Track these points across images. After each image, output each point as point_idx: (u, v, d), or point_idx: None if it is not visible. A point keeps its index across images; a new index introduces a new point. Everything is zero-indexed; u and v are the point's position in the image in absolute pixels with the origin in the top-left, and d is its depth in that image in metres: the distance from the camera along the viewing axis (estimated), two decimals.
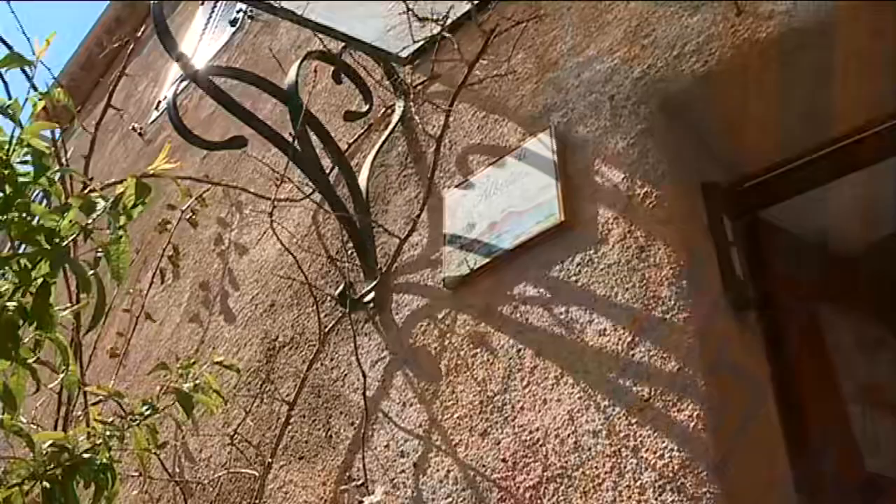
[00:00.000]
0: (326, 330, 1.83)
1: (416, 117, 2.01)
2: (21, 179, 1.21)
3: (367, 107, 2.03)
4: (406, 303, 1.72)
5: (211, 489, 1.91)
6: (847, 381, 1.49)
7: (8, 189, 1.20)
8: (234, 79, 1.93)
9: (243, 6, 3.50)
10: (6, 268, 1.22)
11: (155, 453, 1.64)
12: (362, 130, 2.15)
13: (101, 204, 1.30)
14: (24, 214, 1.22)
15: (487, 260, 1.54)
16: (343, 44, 2.06)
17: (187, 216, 2.82)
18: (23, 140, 1.26)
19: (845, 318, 1.60)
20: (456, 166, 1.79)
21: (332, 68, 2.06)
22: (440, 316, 1.62)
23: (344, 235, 1.95)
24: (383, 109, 2.15)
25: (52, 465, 1.35)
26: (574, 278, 1.37)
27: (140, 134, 4.09)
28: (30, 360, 1.27)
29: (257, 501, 1.71)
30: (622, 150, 1.42)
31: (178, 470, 1.99)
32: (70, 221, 1.28)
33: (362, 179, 1.97)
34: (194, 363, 1.59)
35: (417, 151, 1.97)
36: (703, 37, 1.42)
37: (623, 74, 1.52)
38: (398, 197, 1.93)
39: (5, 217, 1.20)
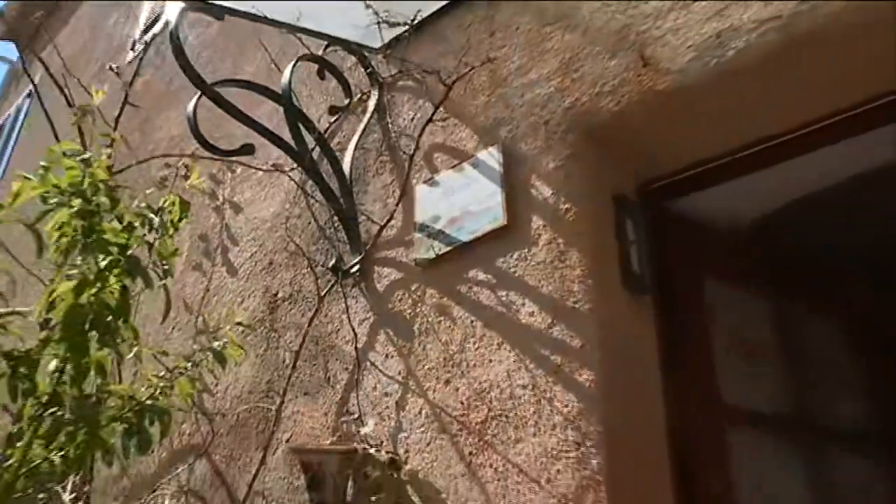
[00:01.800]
0: (322, 294, 2.40)
1: (388, 107, 2.51)
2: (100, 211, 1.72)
3: (348, 101, 2.52)
4: (385, 275, 2.28)
5: (233, 418, 2.52)
6: (721, 338, 2.10)
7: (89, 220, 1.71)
8: (234, 87, 2.39)
9: None
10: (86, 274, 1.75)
11: (190, 395, 2.23)
12: (337, 117, 2.64)
13: (157, 221, 1.82)
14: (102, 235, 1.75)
15: (448, 248, 2.09)
16: (326, 43, 2.52)
17: (182, 172, 3.32)
18: (94, 175, 1.77)
19: (731, 290, 2.20)
20: (424, 162, 2.30)
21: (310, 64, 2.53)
22: (413, 288, 2.18)
23: (331, 211, 2.48)
24: (359, 95, 2.64)
25: (127, 410, 1.92)
26: (512, 270, 1.94)
27: (117, 74, 4.45)
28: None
29: (275, 427, 2.32)
30: (552, 170, 1.95)
31: (205, 404, 2.59)
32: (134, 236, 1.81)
33: (346, 164, 2.49)
34: (219, 329, 2.17)
35: (390, 140, 2.47)
36: (617, 80, 1.93)
37: (556, 102, 2.03)
38: (376, 180, 2.45)
39: (90, 239, 1.72)
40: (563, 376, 1.74)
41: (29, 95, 6.71)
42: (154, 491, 2.64)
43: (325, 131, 2.62)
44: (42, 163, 1.68)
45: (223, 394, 2.58)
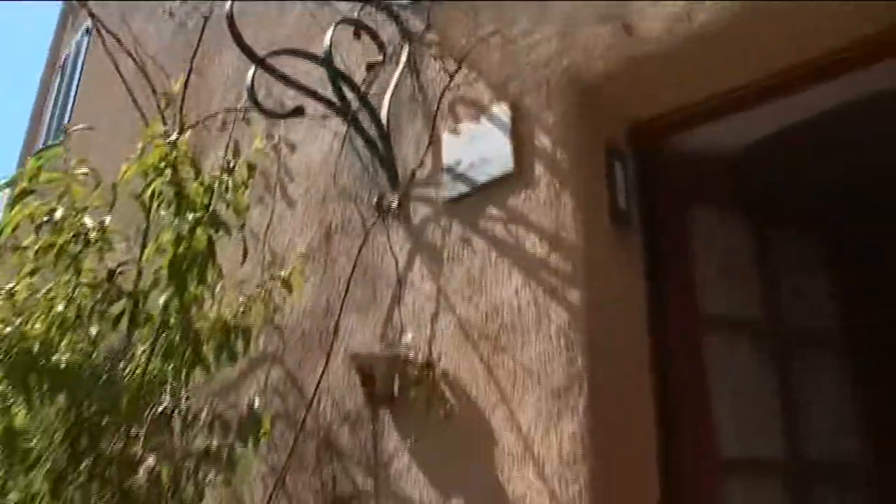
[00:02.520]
0: (368, 227, 2.91)
1: (417, 60, 2.94)
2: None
3: (381, 57, 2.96)
4: (419, 210, 2.77)
5: (299, 331, 3.09)
6: (702, 259, 2.54)
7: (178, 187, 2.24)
8: (283, 55, 2.85)
9: None
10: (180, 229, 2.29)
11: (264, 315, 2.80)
12: (373, 72, 3.08)
13: (230, 183, 2.34)
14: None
15: (469, 189, 2.56)
16: (361, 4, 2.94)
17: (241, 115, 3.82)
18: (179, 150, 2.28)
19: (712, 216, 2.62)
20: (448, 112, 2.75)
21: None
22: (441, 222, 2.67)
23: (371, 154, 2.96)
24: (391, 49, 3.07)
25: (217, 330, 2.50)
26: (520, 208, 2.41)
27: (171, 14, 4.90)
28: None
29: (334, 338, 2.88)
30: (552, 124, 2.39)
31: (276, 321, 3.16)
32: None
33: (382, 114, 2.95)
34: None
35: (420, 90, 2.91)
36: (606, 45, 2.32)
37: (556, 62, 2.44)
38: (409, 127, 2.91)
39: (180, 202, 2.25)
40: (558, 295, 2.24)
41: (87, 32, 7.22)
42: (238, 392, 3.26)
43: (363, 82, 3.07)
44: (139, 144, 2.20)
45: (290, 312, 3.14)
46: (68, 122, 7.84)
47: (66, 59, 8.43)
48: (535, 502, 2.12)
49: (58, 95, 8.64)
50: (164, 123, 3.19)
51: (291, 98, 3.33)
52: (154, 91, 2.87)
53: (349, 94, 2.88)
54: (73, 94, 7.97)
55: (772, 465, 2.57)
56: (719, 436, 2.42)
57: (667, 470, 2.29)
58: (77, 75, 7.93)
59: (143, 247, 2.32)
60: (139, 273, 2.30)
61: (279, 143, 3.67)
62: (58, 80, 8.76)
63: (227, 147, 3.82)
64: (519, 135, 2.46)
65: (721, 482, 2.40)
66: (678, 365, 2.39)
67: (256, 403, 2.53)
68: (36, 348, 2.13)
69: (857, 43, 2.12)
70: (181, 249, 2.18)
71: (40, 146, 8.66)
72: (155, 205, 2.20)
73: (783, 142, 2.53)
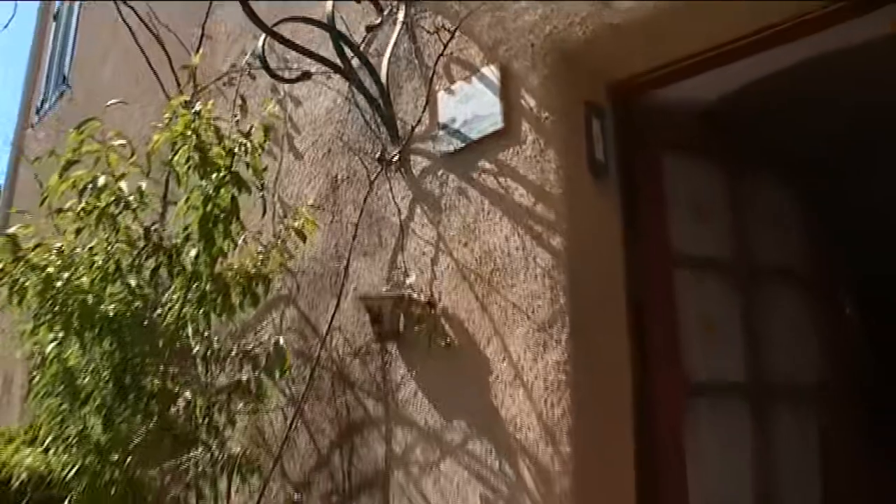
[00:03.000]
0: (372, 178, 3.22)
1: (414, 21, 3.20)
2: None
3: (380, 20, 3.22)
4: (419, 163, 3.08)
5: (311, 275, 3.43)
6: (674, 202, 2.85)
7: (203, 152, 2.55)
8: (289, 21, 3.11)
9: None
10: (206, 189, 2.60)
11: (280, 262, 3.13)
12: (372, 34, 3.34)
13: (250, 146, 2.64)
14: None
15: (463, 144, 2.86)
16: None
17: (247, 71, 4.09)
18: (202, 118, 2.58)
19: (684, 164, 2.92)
20: (443, 72, 3.03)
21: None
22: (439, 174, 2.98)
23: (373, 110, 3.24)
24: (388, 10, 3.32)
25: (241, 277, 2.84)
26: (509, 161, 2.71)
27: None
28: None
29: (344, 280, 3.22)
30: (536, 86, 2.67)
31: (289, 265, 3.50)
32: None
33: (382, 73, 3.22)
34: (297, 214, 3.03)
35: (417, 50, 3.18)
36: (585, 13, 2.59)
37: (540, 28, 2.71)
38: (408, 85, 3.19)
39: (206, 165, 2.55)
40: (543, 241, 2.57)
41: None
42: (257, 332, 3.63)
43: (363, 42, 3.34)
44: (166, 114, 2.50)
45: (302, 257, 3.47)
46: (69, 69, 8.04)
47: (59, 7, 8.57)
48: (525, 422, 2.49)
49: (55, 41, 8.81)
50: (178, 84, 3.48)
51: (295, 57, 3.60)
52: (167, 54, 3.12)
53: (350, 54, 3.16)
54: (70, 40, 8.15)
55: (735, 388, 2.94)
56: (688, 361, 2.78)
57: (641, 393, 2.66)
58: (74, 22, 8.10)
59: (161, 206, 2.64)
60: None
61: (284, 97, 3.95)
62: (54, 26, 8.92)
63: (234, 102, 4.12)
64: (507, 95, 2.75)
65: (689, 403, 2.77)
66: (651, 300, 2.73)
67: (281, 341, 2.87)
68: (87, 299, 2.47)
69: (814, 9, 2.39)
70: (209, 208, 2.51)
71: (41, 92, 8.88)
72: (183, 169, 2.52)
73: (749, 95, 2.81)
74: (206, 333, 2.93)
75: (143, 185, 2.62)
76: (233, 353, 2.86)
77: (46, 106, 8.38)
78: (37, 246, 2.54)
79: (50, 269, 2.50)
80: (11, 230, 2.51)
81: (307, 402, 3.29)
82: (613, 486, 2.53)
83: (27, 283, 2.49)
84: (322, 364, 3.24)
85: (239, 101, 4.08)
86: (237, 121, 4.07)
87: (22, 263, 2.49)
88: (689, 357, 2.77)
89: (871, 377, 3.31)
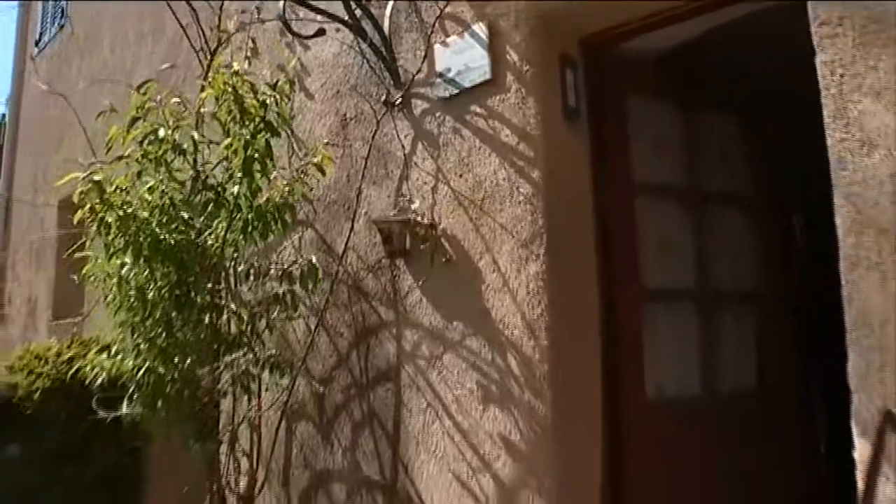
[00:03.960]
0: (378, 118, 3.83)
1: None
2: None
3: None
4: (419, 105, 3.69)
5: (326, 201, 4.08)
6: (638, 139, 3.48)
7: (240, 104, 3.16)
8: None
9: None
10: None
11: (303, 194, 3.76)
12: None
13: (278, 97, 3.25)
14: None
15: (457, 91, 3.48)
16: None
17: (258, 18, 4.63)
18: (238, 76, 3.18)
19: (647, 107, 3.54)
20: (439, 26, 3.61)
21: None
22: (437, 115, 3.60)
23: (377, 58, 3.83)
24: None
25: (272, 207, 3.48)
26: (496, 107, 3.33)
27: None
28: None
29: (357, 206, 3.86)
30: (518, 42, 3.27)
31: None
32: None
33: (385, 25, 3.79)
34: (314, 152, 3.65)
35: (415, 5, 3.75)
36: None
37: None
38: (408, 36, 3.78)
39: (243, 115, 3.17)
40: (525, 173, 3.21)
41: None
42: (279, 252, 4.29)
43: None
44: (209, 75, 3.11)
45: (318, 186, 4.10)
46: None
47: None
48: (510, 320, 3.19)
49: None
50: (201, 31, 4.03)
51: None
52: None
53: (354, 6, 3.73)
54: None
55: (685, 294, 3.64)
56: (646, 272, 3.47)
57: (605, 298, 3.35)
58: None
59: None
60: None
61: (293, 41, 4.51)
62: None
63: (245, 45, 4.68)
64: (494, 50, 3.35)
65: (646, 307, 3.47)
66: (615, 221, 3.40)
67: (314, 259, 3.54)
68: (156, 231, 3.13)
69: None
70: (248, 152, 3.14)
71: (38, 24, 9.26)
72: (225, 119, 3.14)
73: (701, 45, 3.42)
74: (245, 256, 3.60)
75: (195, 135, 3.24)
76: (271, 271, 3.53)
77: (46, 38, 8.80)
78: (117, 188, 3.18)
79: (127, 209, 3.15)
80: (97, 177, 3.14)
81: (327, 311, 3.98)
82: (583, 372, 3.25)
83: (110, 220, 3.14)
84: (340, 278, 3.92)
85: (250, 44, 4.65)
86: (248, 60, 4.66)
87: (105, 204, 3.13)
88: (646, 269, 3.47)
89: (798, 286, 4.03)
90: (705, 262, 3.69)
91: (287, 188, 3.55)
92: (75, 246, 3.71)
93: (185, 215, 3.26)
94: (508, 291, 3.24)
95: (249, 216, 3.27)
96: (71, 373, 4.52)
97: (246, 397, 3.80)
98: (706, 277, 3.69)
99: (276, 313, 3.52)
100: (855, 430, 2.29)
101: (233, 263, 3.53)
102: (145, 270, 3.27)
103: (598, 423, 3.31)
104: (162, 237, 3.17)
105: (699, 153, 3.73)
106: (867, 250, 2.31)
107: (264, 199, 3.40)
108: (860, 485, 2.24)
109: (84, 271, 3.64)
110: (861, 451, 2.26)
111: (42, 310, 7.95)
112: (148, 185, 3.25)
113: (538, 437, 3.12)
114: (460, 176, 3.48)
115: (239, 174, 3.19)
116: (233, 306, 3.46)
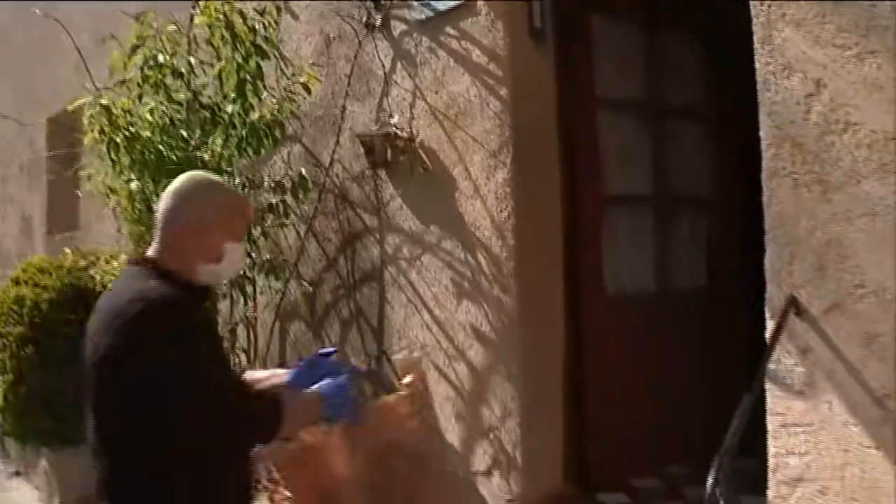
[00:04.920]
0: (360, 39, 4.14)
1: None
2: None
3: None
4: (398, 27, 4.00)
5: (313, 117, 4.41)
6: (600, 56, 3.81)
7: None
8: None
9: None
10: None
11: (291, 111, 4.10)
12: None
13: (266, 23, 3.56)
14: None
15: (433, 13, 3.78)
16: None
17: None
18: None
19: (610, 27, 3.85)
20: None
21: None
22: (414, 36, 3.91)
23: None
24: None
25: (263, 123, 3.83)
26: (468, 29, 3.65)
27: None
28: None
29: (342, 121, 4.21)
30: None
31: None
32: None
33: None
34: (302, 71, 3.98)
35: None
36: None
37: None
38: None
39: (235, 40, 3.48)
40: (494, 91, 3.57)
41: None
42: (270, 165, 4.65)
43: None
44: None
45: (304, 103, 4.42)
46: None
47: None
48: (481, 223, 3.60)
49: None
50: None
51: None
52: None
53: None
54: None
55: (643, 199, 4.05)
56: (606, 179, 3.86)
57: (568, 203, 3.75)
58: None
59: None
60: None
61: None
62: None
63: None
64: None
65: (607, 211, 3.87)
66: (578, 133, 3.77)
67: (303, 172, 3.92)
68: (160, 149, 3.49)
69: None
70: (241, 74, 3.47)
71: None
72: (219, 44, 3.46)
73: None
74: (239, 170, 3.97)
75: (192, 60, 3.57)
76: (265, 183, 3.91)
77: None
78: (123, 112, 3.52)
79: (132, 129, 3.50)
80: (104, 101, 3.48)
81: (316, 219, 4.37)
82: (546, 268, 3.68)
83: (118, 140, 3.50)
84: (327, 188, 4.30)
85: None
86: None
87: (113, 126, 3.49)
88: (607, 176, 3.85)
89: (747, 192, 4.43)
90: (662, 171, 4.07)
91: (276, 106, 3.89)
92: (77, 166, 4.07)
93: (184, 133, 3.61)
94: (479, 197, 3.63)
95: (244, 133, 3.62)
96: (80, 282, 4.93)
97: (242, 299, 4.23)
98: (663, 185, 4.08)
99: (269, 221, 3.90)
100: (767, 315, 2.74)
101: (229, 177, 3.89)
102: (150, 185, 3.64)
103: (561, 315, 3.76)
104: (165, 154, 3.53)
105: (659, 70, 4.07)
106: (784, 161, 2.70)
107: (256, 116, 3.74)
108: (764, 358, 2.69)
109: (89, 188, 4.02)
110: (770, 330, 2.71)
111: (37, 226, 8.28)
112: (149, 107, 3.59)
113: (506, 327, 3.57)
114: (436, 93, 3.82)
115: (233, 95, 3.53)
116: None
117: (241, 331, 4.40)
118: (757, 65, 2.77)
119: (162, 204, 1.93)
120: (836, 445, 2.58)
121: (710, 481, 2.01)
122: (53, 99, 7.11)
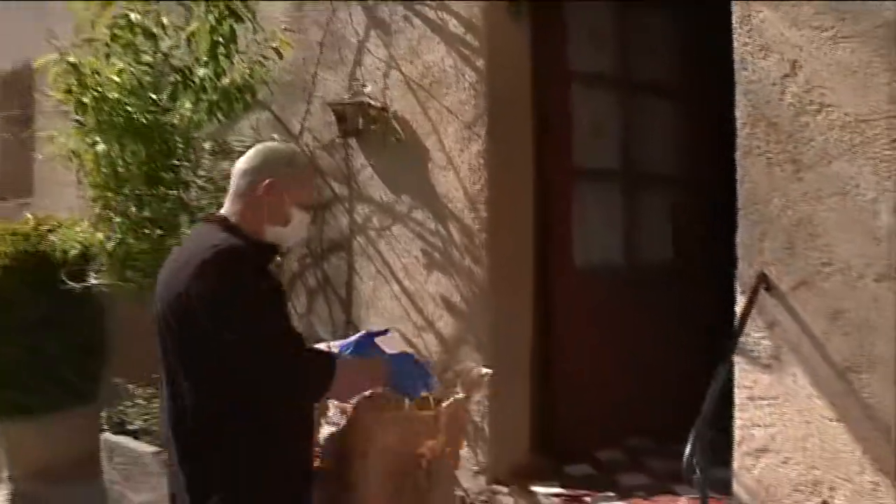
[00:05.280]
0: (333, 8, 4.09)
1: None
2: None
3: None
4: None
5: (283, 83, 4.36)
6: (573, 27, 3.83)
7: None
8: None
9: None
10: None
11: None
12: None
13: None
14: None
15: None
16: None
17: None
18: None
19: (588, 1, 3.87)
20: None
21: None
22: (389, 5, 3.88)
23: None
24: None
25: (235, 87, 3.78)
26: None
27: None
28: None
29: (313, 88, 4.16)
30: None
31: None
32: None
33: None
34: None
35: None
36: None
37: None
38: None
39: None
40: (470, 62, 3.57)
41: None
42: (237, 132, 4.59)
43: None
44: None
45: (274, 69, 4.37)
46: None
47: None
48: (453, 194, 3.62)
49: None
50: None
51: None
52: None
53: None
54: None
55: (612, 174, 4.10)
56: (578, 153, 3.90)
57: (540, 175, 3.79)
58: None
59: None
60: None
61: None
62: None
63: None
64: None
65: (577, 184, 3.92)
66: (550, 105, 3.80)
67: (276, 136, 3.88)
68: (129, 111, 3.42)
69: None
70: (214, 37, 3.42)
71: None
72: (191, 5, 3.40)
73: None
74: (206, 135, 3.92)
75: (165, 19, 3.50)
76: (237, 148, 3.86)
77: None
78: (94, 72, 3.44)
79: (100, 89, 3.43)
80: (71, 59, 3.39)
81: None
82: (518, 239, 3.73)
83: (86, 101, 3.42)
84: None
85: None
86: None
87: (81, 86, 3.40)
88: (578, 150, 3.89)
89: (710, 170, 4.53)
90: (631, 146, 4.13)
91: (247, 71, 3.84)
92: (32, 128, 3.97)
93: (154, 96, 3.55)
94: (452, 168, 3.65)
95: (214, 97, 3.57)
96: (36, 249, 4.85)
97: None
98: (631, 160, 4.14)
99: None
100: (737, 289, 2.81)
101: (198, 141, 3.84)
102: (117, 148, 3.57)
103: (531, 288, 3.81)
104: (134, 116, 3.46)
105: (632, 45, 4.11)
106: (758, 140, 2.76)
107: (227, 81, 3.69)
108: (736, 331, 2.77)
109: (50, 151, 3.93)
110: (740, 305, 2.78)
111: None
112: (118, 68, 3.52)
113: (476, 298, 3.60)
114: (410, 62, 3.81)
115: (205, 58, 3.48)
116: (199, 181, 3.80)
117: None
118: (735, 44, 2.81)
119: (238, 165, 2.07)
120: (800, 417, 2.68)
121: (688, 449, 2.07)
122: (2, 58, 6.90)
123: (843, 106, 2.59)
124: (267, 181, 1.99)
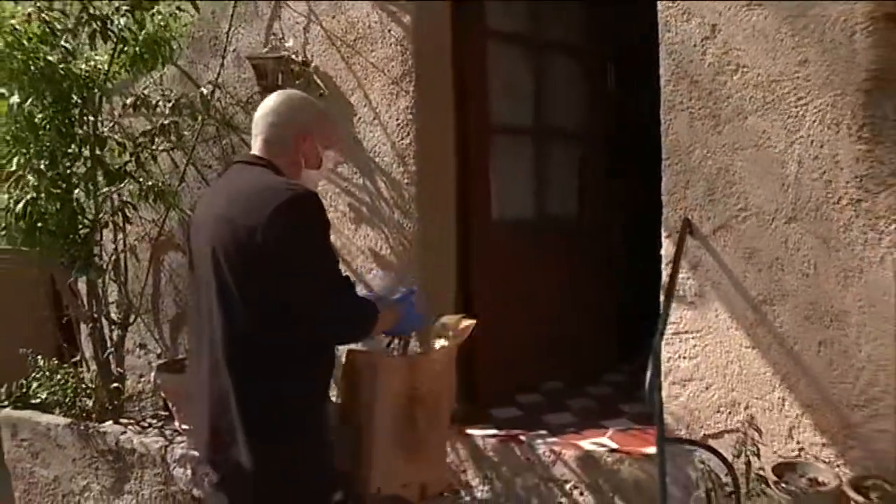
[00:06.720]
0: None
1: None
2: None
3: None
4: None
5: (192, 38, 4.33)
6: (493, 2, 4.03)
7: None
8: None
9: None
10: None
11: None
12: None
13: None
14: None
15: None
16: None
17: None
18: None
19: None
20: None
21: None
22: None
23: None
24: None
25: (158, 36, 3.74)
26: None
27: None
28: None
29: (229, 36, 4.16)
30: None
31: None
32: None
33: None
34: None
35: None
36: None
37: None
38: None
39: None
40: (396, 18, 3.70)
41: None
42: (143, 87, 4.52)
43: None
44: None
45: (191, 22, 4.29)
46: None
47: None
48: (382, 150, 3.77)
49: None
50: None
51: None
52: None
53: None
54: None
55: (525, 130, 4.36)
56: (494, 110, 4.12)
57: (460, 130, 3.99)
58: None
59: None
60: None
61: None
62: None
63: None
64: None
65: (493, 139, 4.14)
66: (470, 64, 3.99)
67: (205, 91, 3.87)
68: (41, 56, 3.32)
69: None
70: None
71: None
72: None
73: None
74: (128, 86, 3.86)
75: None
76: (159, 103, 3.83)
77: None
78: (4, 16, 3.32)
79: (9, 38, 3.32)
80: None
81: (197, 146, 4.33)
82: (442, 191, 3.92)
83: None
84: (209, 113, 4.26)
85: None
86: None
87: None
88: (495, 107, 4.11)
89: (615, 126, 4.88)
90: (541, 101, 4.39)
91: (163, 23, 3.81)
92: None
93: (68, 46, 3.48)
94: (380, 124, 3.78)
95: (137, 48, 3.54)
96: None
97: (125, 227, 4.16)
98: (542, 115, 4.41)
99: (159, 145, 3.86)
100: (663, 234, 3.13)
101: (113, 94, 3.79)
102: (31, 99, 3.48)
103: (454, 240, 4.02)
104: (51, 66, 3.38)
105: (543, 7, 4.35)
106: (681, 96, 3.06)
107: (145, 33, 3.66)
108: (664, 276, 3.09)
109: None
110: (666, 249, 3.10)
111: None
112: (28, 11, 3.42)
113: (406, 250, 3.78)
114: (333, 17, 3.89)
115: (125, 7, 3.44)
116: (117, 137, 3.76)
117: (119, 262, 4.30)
118: (659, 7, 3.09)
119: (266, 111, 2.20)
120: (720, 347, 3.04)
121: (648, 375, 2.35)
122: None
123: (757, 67, 2.92)
124: (302, 135, 2.18)
